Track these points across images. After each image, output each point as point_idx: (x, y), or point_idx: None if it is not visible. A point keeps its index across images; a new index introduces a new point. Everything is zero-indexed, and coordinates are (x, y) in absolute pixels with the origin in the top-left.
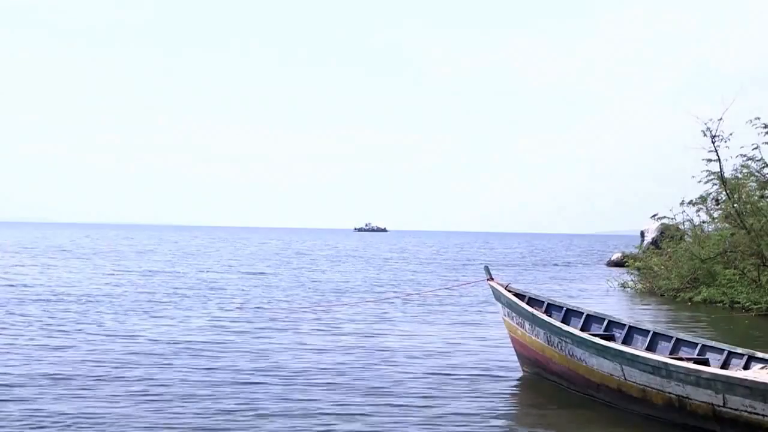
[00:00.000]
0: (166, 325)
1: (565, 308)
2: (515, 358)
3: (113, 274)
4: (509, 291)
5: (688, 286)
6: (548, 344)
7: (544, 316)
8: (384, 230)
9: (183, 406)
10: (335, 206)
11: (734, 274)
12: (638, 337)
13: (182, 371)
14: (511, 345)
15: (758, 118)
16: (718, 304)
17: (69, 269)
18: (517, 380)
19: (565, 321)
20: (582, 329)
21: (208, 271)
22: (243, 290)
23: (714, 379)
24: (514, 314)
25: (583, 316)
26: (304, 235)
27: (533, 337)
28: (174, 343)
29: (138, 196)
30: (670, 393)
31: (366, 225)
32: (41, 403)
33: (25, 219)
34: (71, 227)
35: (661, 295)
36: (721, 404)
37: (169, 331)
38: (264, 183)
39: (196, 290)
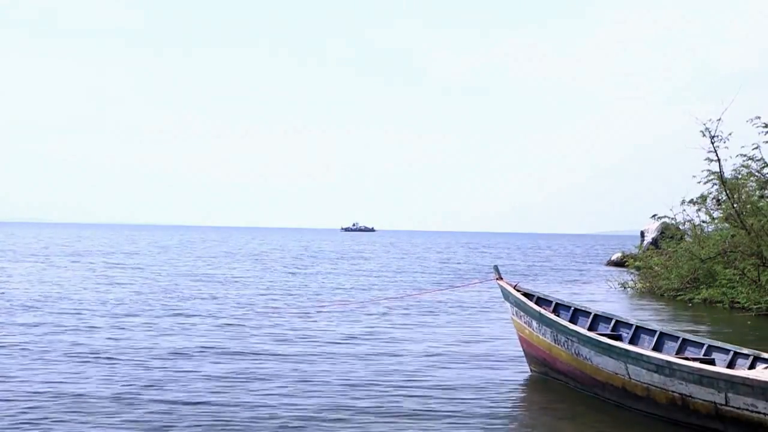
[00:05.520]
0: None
1: (573, 308)
2: (523, 356)
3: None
4: (518, 290)
5: (688, 286)
6: (555, 343)
7: (551, 315)
8: (372, 230)
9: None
10: (327, 206)
11: (734, 274)
12: (645, 336)
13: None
14: (518, 344)
15: (758, 117)
16: (718, 304)
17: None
18: (525, 379)
19: (572, 321)
20: (589, 329)
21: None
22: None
23: (716, 377)
24: (522, 313)
25: (591, 316)
26: (289, 234)
27: (540, 336)
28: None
29: (133, 196)
30: (673, 392)
31: (353, 225)
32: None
33: (24, 219)
34: (63, 227)
35: (661, 295)
36: (724, 403)
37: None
38: (262, 183)
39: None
